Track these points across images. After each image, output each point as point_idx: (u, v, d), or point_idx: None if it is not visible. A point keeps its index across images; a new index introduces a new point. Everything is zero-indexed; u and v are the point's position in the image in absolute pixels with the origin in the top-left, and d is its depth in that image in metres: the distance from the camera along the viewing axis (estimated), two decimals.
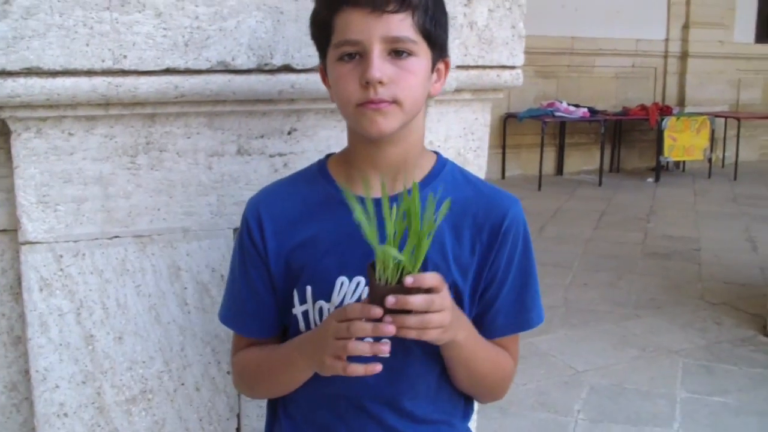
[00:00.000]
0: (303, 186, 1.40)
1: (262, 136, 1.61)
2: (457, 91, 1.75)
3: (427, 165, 1.37)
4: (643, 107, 9.81)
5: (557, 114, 9.25)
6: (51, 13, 1.35)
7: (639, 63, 10.68)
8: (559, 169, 10.10)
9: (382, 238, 1.13)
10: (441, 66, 1.33)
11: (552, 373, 3.90)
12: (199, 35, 1.46)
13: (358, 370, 1.17)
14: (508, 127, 9.54)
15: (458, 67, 1.68)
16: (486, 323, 1.36)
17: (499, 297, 1.35)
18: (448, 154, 1.61)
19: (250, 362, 1.41)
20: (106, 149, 1.49)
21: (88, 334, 1.55)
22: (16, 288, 1.55)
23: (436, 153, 1.42)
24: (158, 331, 1.60)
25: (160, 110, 1.49)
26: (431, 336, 1.16)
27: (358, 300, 1.28)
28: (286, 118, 1.62)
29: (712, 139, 9.76)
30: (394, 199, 1.22)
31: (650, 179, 9.66)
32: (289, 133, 1.63)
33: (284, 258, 1.34)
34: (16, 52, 1.34)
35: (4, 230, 1.53)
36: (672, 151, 9.44)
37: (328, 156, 1.43)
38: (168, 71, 1.44)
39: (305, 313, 1.34)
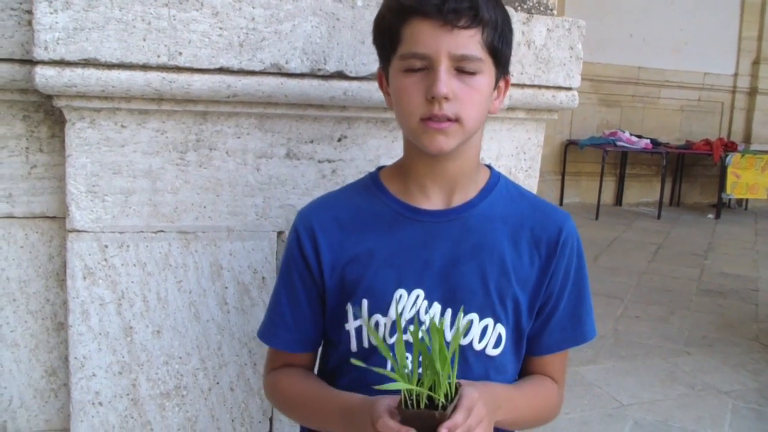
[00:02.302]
0: (356, 198, 1.37)
1: (311, 141, 1.61)
2: (511, 109, 1.74)
3: (481, 180, 1.36)
4: (707, 142, 9.59)
5: (619, 144, 9.10)
6: (111, 6, 1.38)
7: (705, 97, 10.47)
8: (618, 200, 9.94)
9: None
10: (501, 84, 1.32)
11: (596, 405, 3.81)
12: (255, 36, 1.47)
13: None
14: (568, 154, 9.44)
15: (513, 85, 1.67)
16: (543, 338, 1.36)
17: (557, 311, 1.35)
18: None
19: (282, 392, 1.39)
20: (157, 144, 1.51)
21: (127, 325, 1.57)
22: (62, 275, 1.58)
23: (489, 167, 1.41)
24: (196, 328, 1.61)
25: (212, 108, 1.51)
26: None
27: (416, 315, 1.27)
28: (336, 124, 1.62)
29: None
30: (451, 212, 1.30)
31: (711, 215, 9.44)
32: (339, 140, 1.63)
33: (340, 271, 1.32)
34: (76, 43, 1.37)
35: (53, 217, 1.57)
36: (735, 188, 9.21)
37: (380, 168, 1.41)
38: (221, 70, 1.46)
39: (359, 329, 1.31)
